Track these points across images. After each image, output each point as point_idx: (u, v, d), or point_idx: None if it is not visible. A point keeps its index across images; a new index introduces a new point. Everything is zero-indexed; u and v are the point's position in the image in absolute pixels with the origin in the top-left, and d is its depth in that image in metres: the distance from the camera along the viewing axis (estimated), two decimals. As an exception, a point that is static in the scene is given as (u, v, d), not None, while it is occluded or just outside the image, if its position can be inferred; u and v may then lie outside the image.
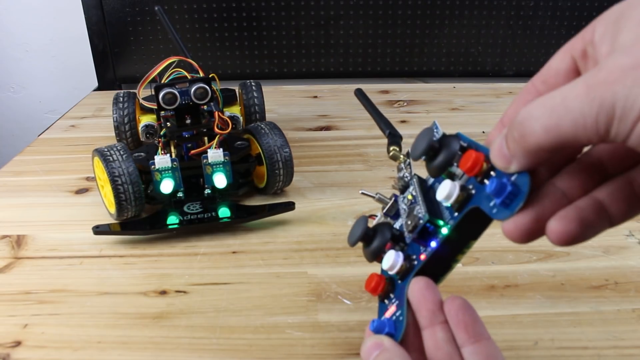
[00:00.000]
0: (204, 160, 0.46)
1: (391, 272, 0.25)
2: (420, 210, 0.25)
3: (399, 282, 0.26)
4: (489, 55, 0.93)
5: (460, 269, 0.39)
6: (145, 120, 0.55)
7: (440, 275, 0.25)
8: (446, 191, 0.22)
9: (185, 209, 0.45)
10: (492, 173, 0.21)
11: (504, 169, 0.20)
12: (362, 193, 0.30)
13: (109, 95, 0.64)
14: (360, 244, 0.27)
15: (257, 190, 0.51)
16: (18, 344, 0.33)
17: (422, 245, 0.25)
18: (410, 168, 0.29)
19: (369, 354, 0.24)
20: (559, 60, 0.21)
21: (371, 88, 0.87)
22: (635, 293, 0.37)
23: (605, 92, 0.16)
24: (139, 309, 0.36)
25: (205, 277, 0.39)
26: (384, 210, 0.28)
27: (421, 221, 0.24)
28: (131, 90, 0.58)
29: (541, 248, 0.41)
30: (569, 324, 0.34)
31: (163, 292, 0.38)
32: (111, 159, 0.43)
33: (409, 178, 0.28)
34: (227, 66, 0.90)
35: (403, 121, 0.72)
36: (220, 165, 0.46)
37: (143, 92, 0.49)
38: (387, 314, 0.26)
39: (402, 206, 0.27)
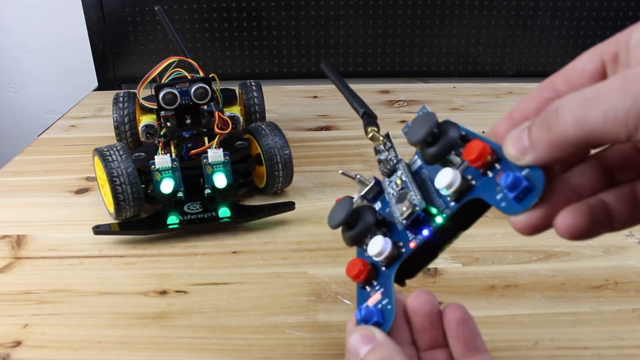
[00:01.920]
0: (204, 160, 0.46)
1: (378, 259, 0.24)
2: (415, 197, 0.24)
3: (384, 268, 0.25)
4: (489, 55, 0.92)
5: (460, 269, 0.39)
6: (145, 120, 0.55)
7: (425, 263, 0.25)
8: (448, 180, 0.21)
9: (185, 208, 0.45)
10: (496, 165, 0.21)
11: (515, 160, 0.19)
12: (342, 173, 0.28)
13: (109, 95, 0.64)
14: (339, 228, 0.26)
15: (257, 190, 0.51)
16: (18, 344, 0.33)
17: (412, 232, 0.24)
18: (393, 151, 0.27)
19: (359, 347, 0.22)
20: (587, 61, 0.21)
21: (371, 88, 0.87)
22: (635, 293, 0.37)
23: None
24: (139, 309, 0.36)
25: (205, 277, 0.39)
26: (362, 193, 0.27)
27: (417, 208, 0.23)
28: (131, 90, 0.58)
29: (541, 248, 0.41)
30: (569, 324, 0.34)
31: (163, 292, 0.38)
32: (110, 159, 0.43)
33: (394, 162, 0.27)
34: (227, 66, 0.90)
35: (403, 121, 0.71)
36: (221, 165, 0.46)
37: (143, 92, 0.49)
38: (371, 302, 0.24)
39: (390, 191, 0.26)
